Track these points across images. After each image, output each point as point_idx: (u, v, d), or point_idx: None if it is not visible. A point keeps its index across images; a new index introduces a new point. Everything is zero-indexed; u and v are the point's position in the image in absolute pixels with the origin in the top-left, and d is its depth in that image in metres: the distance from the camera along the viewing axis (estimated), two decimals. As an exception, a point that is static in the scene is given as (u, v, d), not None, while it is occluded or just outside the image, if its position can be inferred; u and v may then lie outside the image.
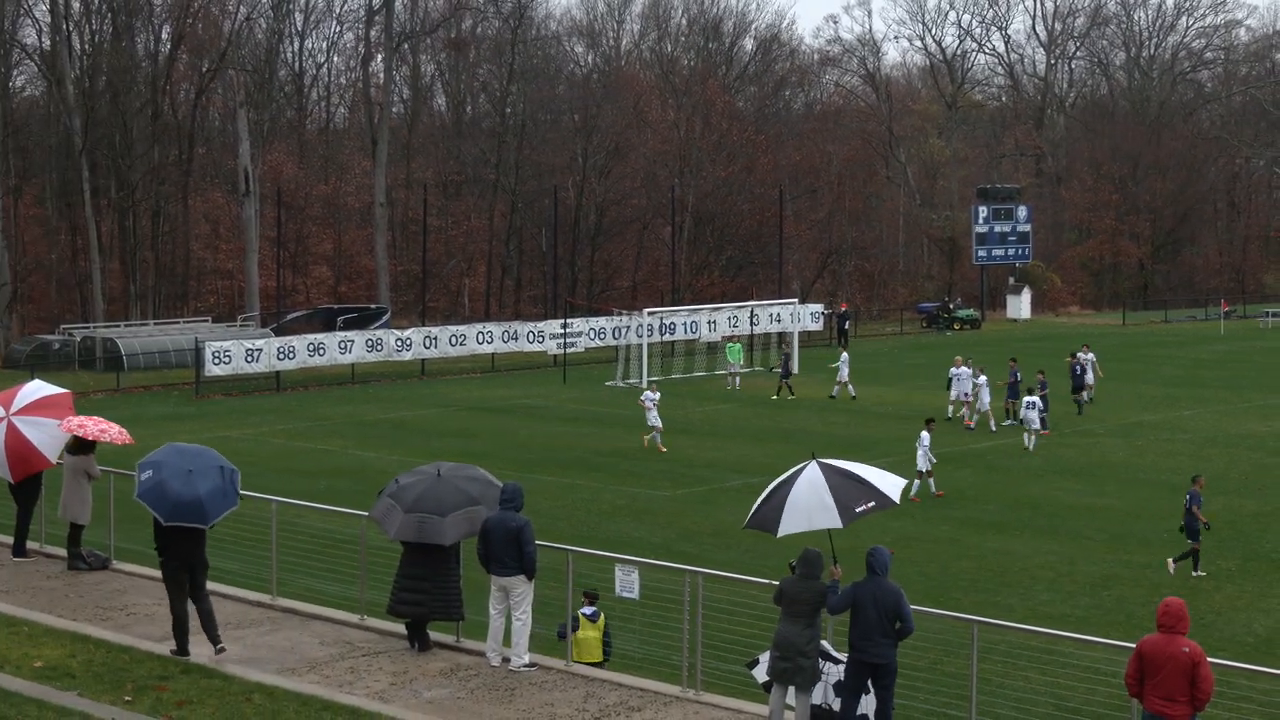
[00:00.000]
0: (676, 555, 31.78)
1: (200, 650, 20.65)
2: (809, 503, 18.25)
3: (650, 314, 75.19)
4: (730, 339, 73.39)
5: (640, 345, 70.93)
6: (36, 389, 26.44)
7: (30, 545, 26.60)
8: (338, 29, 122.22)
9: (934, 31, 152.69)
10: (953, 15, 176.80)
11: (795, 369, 66.59)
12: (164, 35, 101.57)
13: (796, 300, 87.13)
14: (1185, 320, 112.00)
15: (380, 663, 20.63)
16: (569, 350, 75.96)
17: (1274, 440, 51.78)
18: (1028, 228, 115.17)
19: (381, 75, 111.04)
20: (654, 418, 50.40)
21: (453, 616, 21.27)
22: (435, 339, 74.77)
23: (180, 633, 20.81)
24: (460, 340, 75.51)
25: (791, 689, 17.84)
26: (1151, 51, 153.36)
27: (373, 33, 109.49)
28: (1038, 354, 69.88)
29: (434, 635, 21.41)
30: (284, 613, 23.22)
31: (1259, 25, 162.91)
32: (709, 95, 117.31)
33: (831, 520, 18.04)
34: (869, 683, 17.66)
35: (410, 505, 20.66)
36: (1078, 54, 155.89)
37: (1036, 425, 50.40)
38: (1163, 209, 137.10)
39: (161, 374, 72.25)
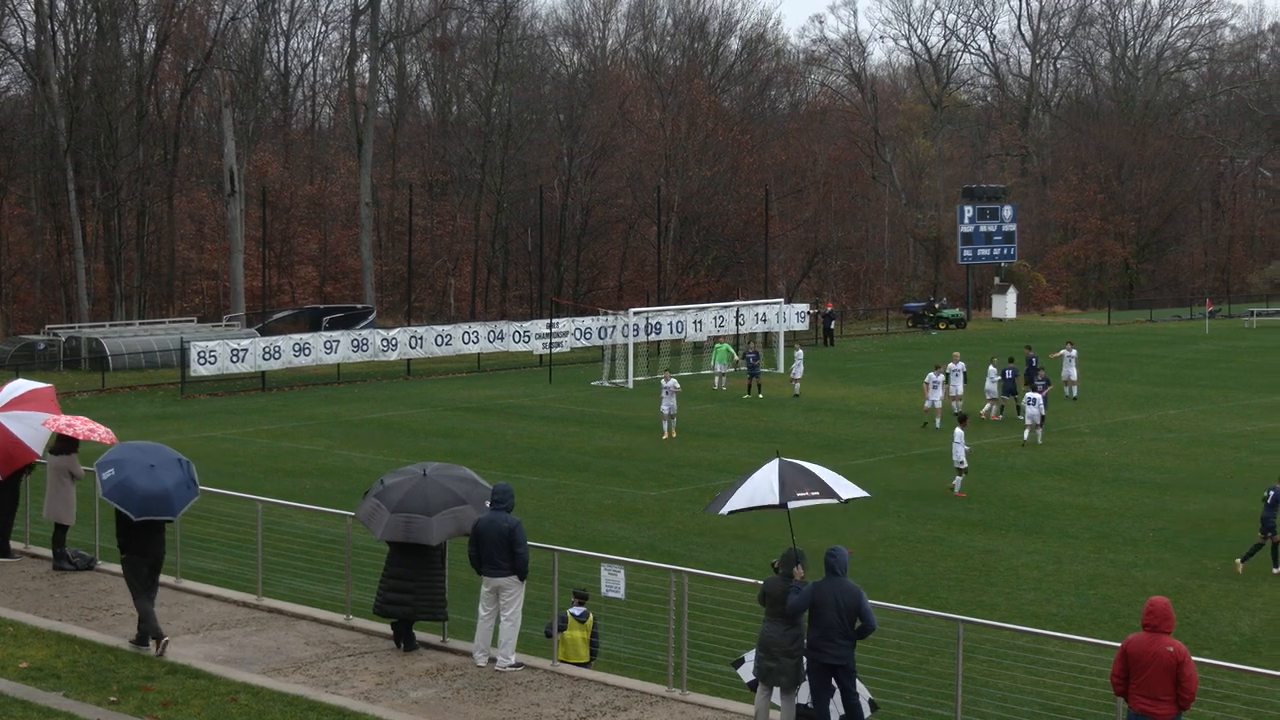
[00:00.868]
0: (662, 555, 31.81)
1: (181, 651, 20.64)
2: (756, 486, 18.48)
3: (636, 314, 75.19)
4: (719, 340, 73.35)
5: (626, 345, 70.93)
6: (18, 386, 26.54)
7: (15, 546, 26.56)
8: (323, 29, 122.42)
9: (919, 31, 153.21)
10: (938, 15, 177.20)
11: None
12: (149, 35, 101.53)
13: (782, 300, 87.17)
14: (1170, 320, 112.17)
15: (366, 663, 20.62)
16: (555, 350, 75.96)
17: (1259, 439, 51.88)
18: (1013, 227, 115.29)
19: (367, 75, 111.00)
20: (671, 404, 52.65)
21: (438, 617, 21.26)
22: (421, 339, 74.73)
23: (146, 626, 21.03)
24: (446, 340, 75.47)
25: (776, 689, 17.86)
26: (1136, 51, 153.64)
27: (358, 32, 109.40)
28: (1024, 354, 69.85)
29: (420, 635, 21.42)
30: (270, 613, 23.20)
31: (1243, 25, 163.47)
32: (694, 95, 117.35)
33: (771, 498, 18.13)
34: (832, 682, 17.69)
35: (396, 505, 20.65)
36: (1063, 54, 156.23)
37: (1036, 420, 50.78)
38: (1148, 208, 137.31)
39: (147, 374, 72.19)
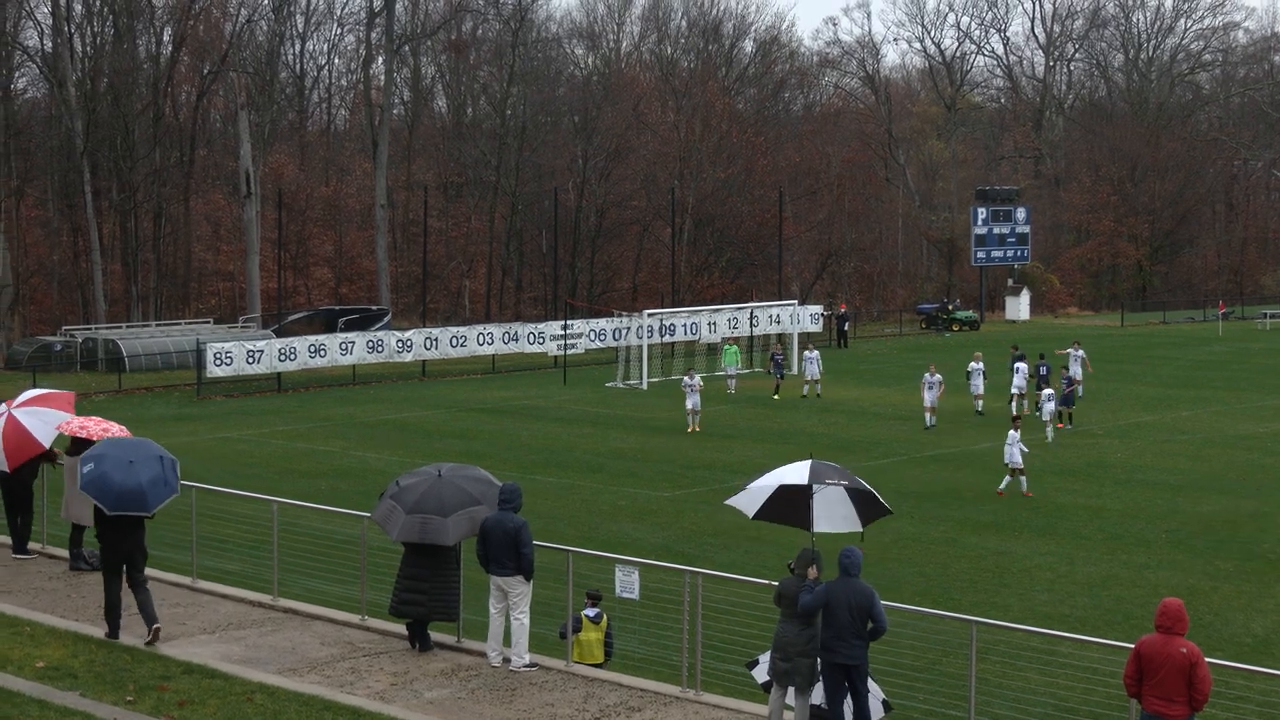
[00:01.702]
0: (676, 556, 31.81)
1: (197, 651, 20.68)
2: (785, 471, 18.85)
3: (650, 315, 75.17)
4: (729, 341, 73.30)
5: (640, 346, 70.92)
6: (39, 390, 26.87)
7: (32, 546, 26.63)
8: (339, 31, 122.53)
9: (933, 33, 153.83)
10: (952, 17, 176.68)
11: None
12: (165, 37, 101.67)
13: (796, 301, 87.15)
14: (1183, 321, 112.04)
15: (381, 663, 20.63)
16: (569, 352, 75.98)
17: (1272, 440, 51.80)
18: (1026, 229, 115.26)
19: (382, 77, 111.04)
20: (695, 400, 54.56)
21: (452, 617, 21.28)
22: (436, 340, 74.79)
23: (113, 619, 21.41)
24: (461, 341, 75.54)
25: (791, 690, 17.87)
26: (1150, 53, 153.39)
27: (373, 35, 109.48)
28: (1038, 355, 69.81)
29: (435, 636, 21.42)
30: (285, 613, 23.22)
31: (1257, 27, 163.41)
32: (709, 97, 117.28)
33: (800, 477, 18.41)
34: (845, 683, 17.71)
35: (412, 506, 20.67)
36: (1076, 56, 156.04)
37: (1047, 418, 51.29)
38: (1161, 210, 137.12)
39: (163, 375, 72.29)
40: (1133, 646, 16.15)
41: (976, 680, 18.18)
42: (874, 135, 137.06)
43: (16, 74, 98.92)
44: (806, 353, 66.78)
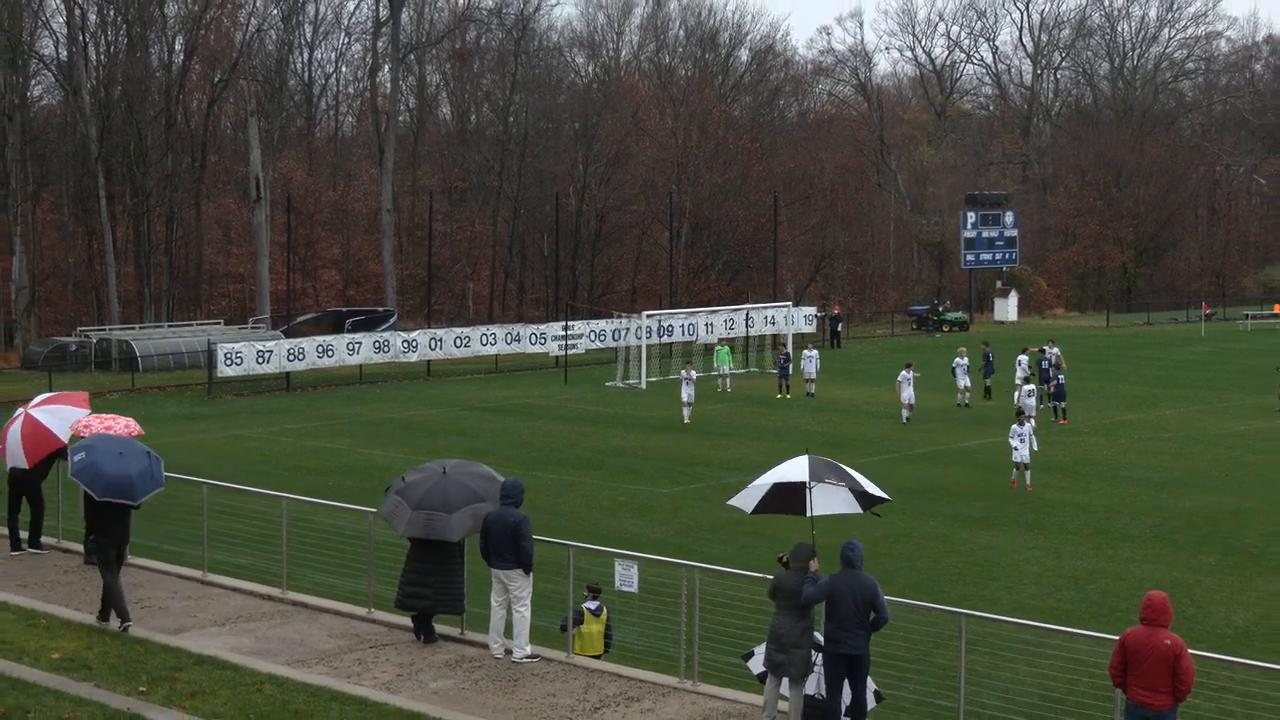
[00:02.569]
0: (674, 550, 31.79)
1: (208, 643, 20.68)
2: (785, 470, 18.88)
3: (649, 316, 75.15)
4: (723, 342, 73.35)
5: (639, 347, 70.92)
6: (54, 393, 27.05)
7: (47, 540, 26.65)
8: (346, 40, 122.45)
9: (924, 43, 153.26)
10: (942, 27, 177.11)
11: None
12: (177, 46, 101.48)
13: (791, 303, 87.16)
14: (1167, 323, 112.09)
15: (387, 654, 20.64)
16: (570, 352, 75.99)
17: (1253, 438, 51.83)
18: (1014, 233, 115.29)
19: (388, 85, 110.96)
20: (690, 393, 55.80)
21: (457, 610, 21.30)
22: (440, 341, 74.77)
23: (117, 605, 21.67)
24: (465, 342, 75.52)
25: (785, 680, 17.87)
26: (1134, 62, 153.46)
27: (380, 44, 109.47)
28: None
29: (439, 628, 21.44)
30: (294, 606, 23.24)
31: (1238, 36, 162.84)
32: (706, 104, 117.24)
33: (800, 476, 18.46)
34: (846, 674, 17.71)
35: (418, 502, 20.69)
36: (1063, 64, 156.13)
37: (1033, 412, 51.17)
38: (1145, 215, 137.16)
39: (175, 375, 72.23)
40: (1118, 638, 16.16)
41: (966, 671, 18.19)
42: (866, 141, 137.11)
43: (33, 82, 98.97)
44: (806, 351, 66.86)
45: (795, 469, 18.67)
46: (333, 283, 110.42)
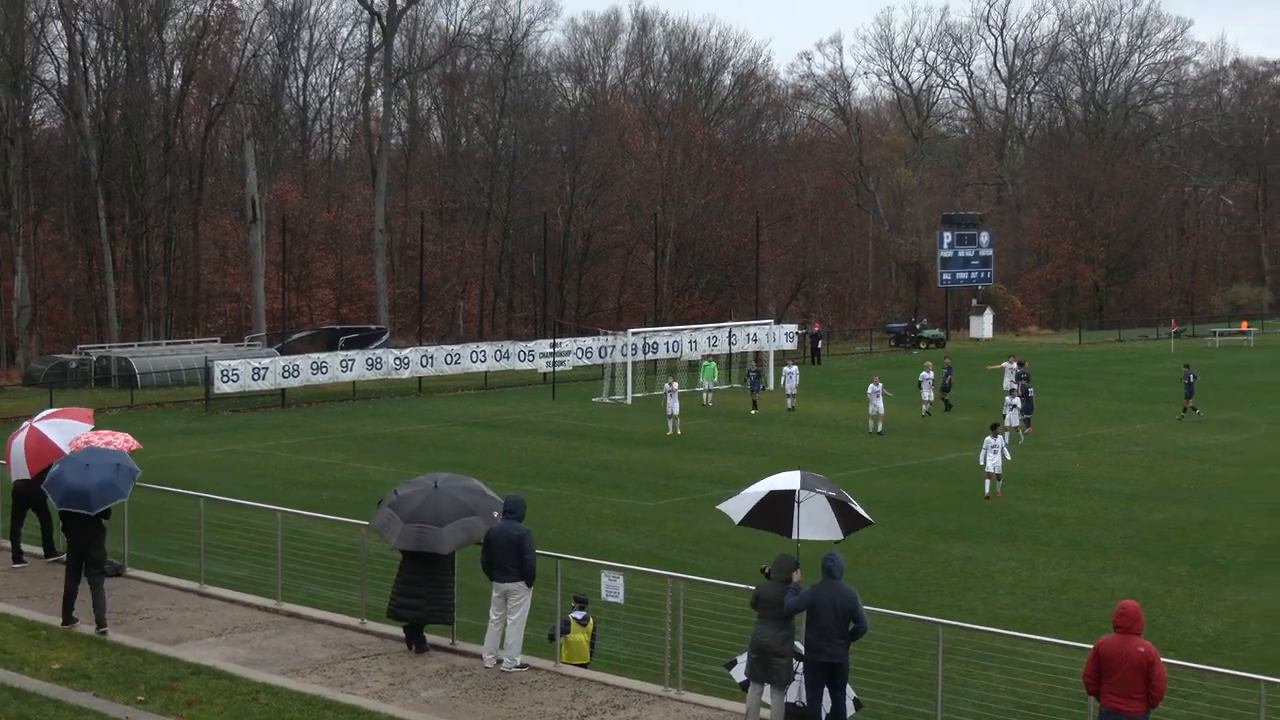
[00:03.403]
0: (659, 562, 31.74)
1: (205, 653, 20.62)
2: (775, 479, 19.16)
3: (634, 334, 75.15)
4: (707, 358, 73.44)
5: (625, 364, 70.92)
6: (60, 409, 27.13)
7: (32, 550, 26.68)
8: (339, 65, 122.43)
9: (901, 67, 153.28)
10: (919, 52, 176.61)
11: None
12: (175, 71, 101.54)
13: (772, 321, 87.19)
14: (1138, 339, 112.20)
15: (380, 664, 20.60)
16: (558, 368, 75.96)
17: (1221, 452, 51.89)
18: (989, 252, 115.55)
19: (381, 109, 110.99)
20: (674, 405, 56.80)
21: (447, 620, 21.28)
22: (431, 358, 74.70)
23: (67, 608, 22.10)
24: (455, 359, 75.46)
25: (767, 687, 17.86)
26: (1105, 86, 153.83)
27: (372, 69, 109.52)
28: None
29: (430, 638, 21.40)
30: (289, 617, 23.19)
31: (1206, 62, 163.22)
32: (689, 128, 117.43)
33: (790, 484, 18.77)
34: (826, 682, 17.73)
35: (409, 516, 20.66)
36: (1036, 89, 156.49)
37: (1016, 424, 52.91)
38: (1116, 234, 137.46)
39: (173, 391, 72.08)
40: (1092, 647, 16.15)
41: (943, 679, 18.18)
42: (845, 164, 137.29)
43: (35, 106, 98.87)
44: (786, 368, 67.08)
45: (787, 479, 18.83)
46: (326, 301, 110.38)
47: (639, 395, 69.30)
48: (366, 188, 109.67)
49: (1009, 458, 43.74)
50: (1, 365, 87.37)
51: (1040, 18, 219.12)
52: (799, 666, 17.93)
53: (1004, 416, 52.65)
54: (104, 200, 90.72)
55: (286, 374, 69.03)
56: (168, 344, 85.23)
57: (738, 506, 19.34)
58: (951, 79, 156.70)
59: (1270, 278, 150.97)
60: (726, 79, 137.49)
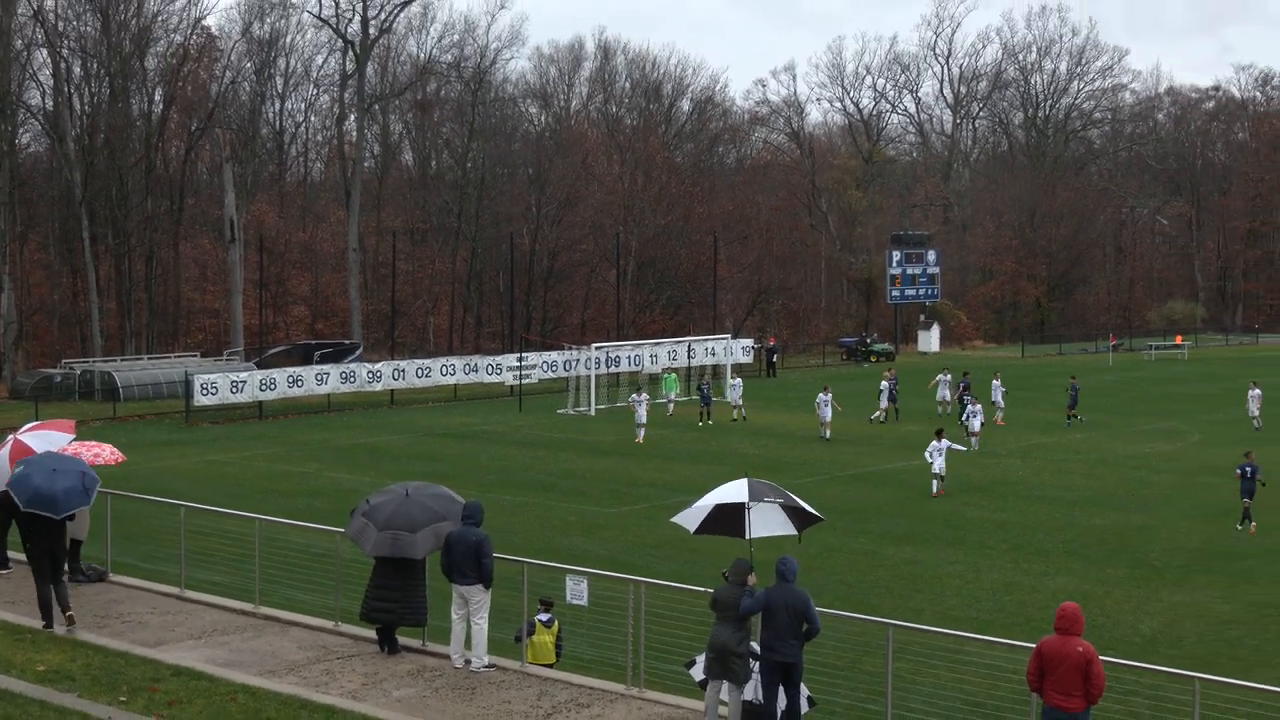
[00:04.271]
0: (622, 566, 31.74)
1: (185, 655, 20.53)
2: (725, 491, 19.26)
3: (597, 348, 75.20)
4: (668, 370, 73.51)
5: (589, 377, 70.93)
6: (43, 421, 26.94)
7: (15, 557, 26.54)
8: (314, 92, 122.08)
9: (852, 94, 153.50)
10: (869, 79, 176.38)
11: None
12: (157, 97, 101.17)
13: (730, 336, 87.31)
14: (1078, 353, 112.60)
15: (353, 665, 20.53)
16: (524, 381, 75.93)
17: (1157, 460, 52.10)
18: (936, 270, 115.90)
19: (354, 133, 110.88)
20: (642, 414, 57.42)
21: (419, 622, 21.22)
22: (403, 371, 74.59)
23: (45, 611, 21.91)
24: (426, 373, 75.34)
25: (725, 686, 17.85)
26: (1046, 112, 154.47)
27: (346, 95, 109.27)
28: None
29: (402, 640, 21.34)
30: (266, 620, 23.09)
31: (1142, 89, 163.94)
32: (650, 151, 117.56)
33: (739, 497, 18.91)
34: (781, 680, 17.73)
35: (383, 524, 20.61)
36: (981, 114, 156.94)
37: (976, 428, 54.40)
38: (1057, 253, 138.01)
39: (154, 404, 71.83)
40: (1034, 646, 16.18)
41: (893, 677, 18.19)
42: (799, 186, 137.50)
43: (20, 130, 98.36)
44: (731, 381, 67.47)
45: (735, 490, 18.86)
46: (302, 317, 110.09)
47: (602, 407, 69.30)
48: (340, 208, 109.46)
49: (958, 448, 45.94)
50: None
51: (984, 47, 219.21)
52: (755, 666, 17.93)
53: (967, 425, 54.65)
54: (88, 220, 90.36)
55: (264, 387, 68.83)
56: (149, 359, 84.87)
57: (691, 517, 19.39)
58: (900, 105, 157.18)
59: (1203, 294, 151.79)
60: (685, 105, 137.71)
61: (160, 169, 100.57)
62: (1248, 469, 38.95)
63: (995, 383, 64.81)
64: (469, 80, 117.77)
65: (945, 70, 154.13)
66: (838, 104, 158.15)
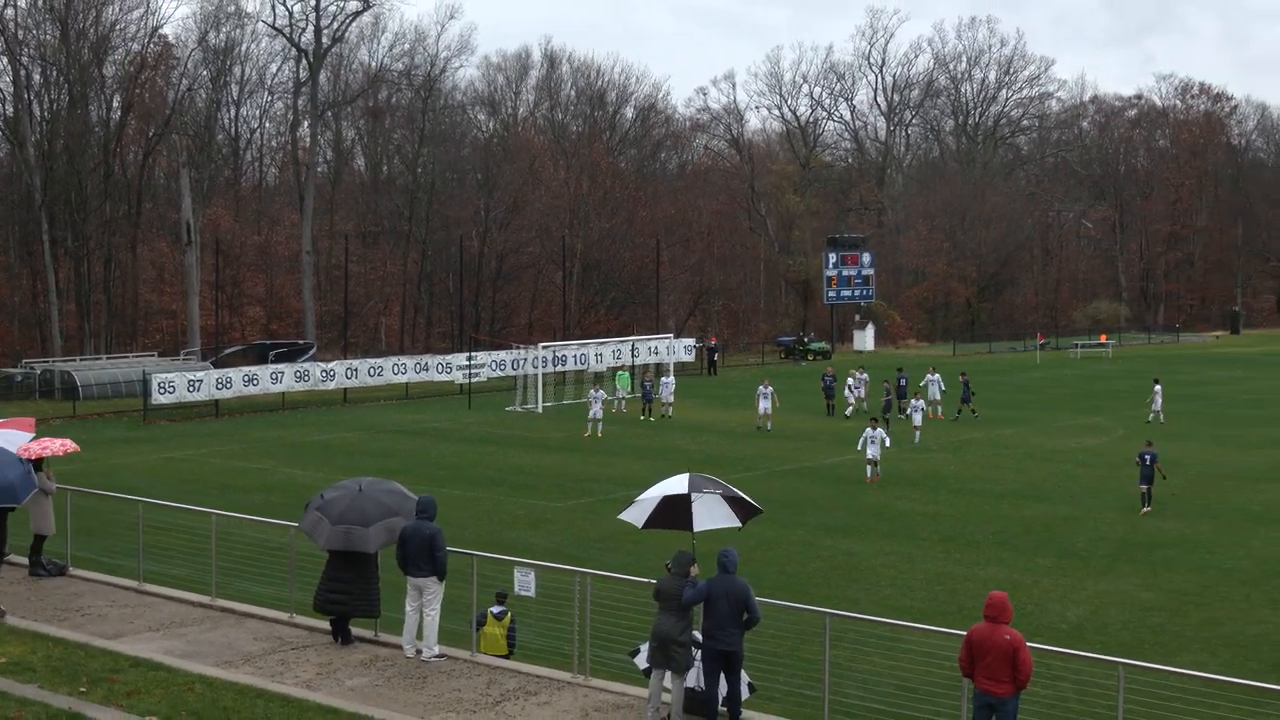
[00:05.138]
0: (568, 558, 31.72)
1: (143, 646, 20.41)
2: (666, 484, 19.19)
3: (544, 348, 75.14)
4: (622, 369, 73.65)
5: (536, 375, 70.85)
6: (3, 420, 26.71)
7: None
8: (269, 99, 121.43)
9: (789, 102, 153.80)
10: (805, 88, 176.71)
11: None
12: (115, 104, 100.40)
13: (672, 335, 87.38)
14: (1007, 352, 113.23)
15: (308, 655, 20.47)
16: (473, 380, 75.81)
17: (1083, 454, 52.38)
18: (871, 272, 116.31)
19: (308, 139, 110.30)
20: (598, 410, 58.03)
21: (372, 614, 21.18)
22: (356, 370, 74.34)
23: None
24: (378, 371, 75.11)
25: (668, 674, 17.87)
26: (976, 119, 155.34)
27: (300, 102, 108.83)
28: (883, 376, 70.34)
29: (355, 631, 21.29)
30: (222, 612, 23.00)
31: (1068, 97, 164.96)
32: (595, 157, 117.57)
33: (680, 489, 18.82)
34: (723, 668, 17.77)
35: (337, 518, 20.57)
36: (913, 121, 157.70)
37: (919, 422, 55.56)
38: (987, 255, 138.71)
39: (113, 402, 71.34)
40: (965, 634, 16.28)
41: (830, 664, 18.25)
42: (739, 190, 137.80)
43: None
44: (664, 379, 67.62)
45: (677, 484, 18.88)
46: (257, 318, 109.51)
47: (549, 404, 69.25)
48: (294, 212, 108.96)
49: (889, 444, 46.61)
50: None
51: (917, 56, 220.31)
52: (697, 654, 17.96)
53: (910, 417, 56.04)
54: (47, 224, 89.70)
55: (220, 386, 68.47)
56: (108, 358, 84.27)
57: (638, 513, 19.37)
58: (836, 113, 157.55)
59: (1127, 295, 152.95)
60: (629, 112, 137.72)
61: (118, 174, 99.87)
62: (1146, 456, 40.30)
63: (933, 377, 64.85)
64: (419, 88, 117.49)
65: (879, 79, 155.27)
66: (776, 111, 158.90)
